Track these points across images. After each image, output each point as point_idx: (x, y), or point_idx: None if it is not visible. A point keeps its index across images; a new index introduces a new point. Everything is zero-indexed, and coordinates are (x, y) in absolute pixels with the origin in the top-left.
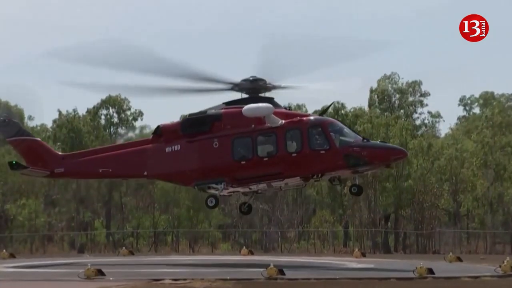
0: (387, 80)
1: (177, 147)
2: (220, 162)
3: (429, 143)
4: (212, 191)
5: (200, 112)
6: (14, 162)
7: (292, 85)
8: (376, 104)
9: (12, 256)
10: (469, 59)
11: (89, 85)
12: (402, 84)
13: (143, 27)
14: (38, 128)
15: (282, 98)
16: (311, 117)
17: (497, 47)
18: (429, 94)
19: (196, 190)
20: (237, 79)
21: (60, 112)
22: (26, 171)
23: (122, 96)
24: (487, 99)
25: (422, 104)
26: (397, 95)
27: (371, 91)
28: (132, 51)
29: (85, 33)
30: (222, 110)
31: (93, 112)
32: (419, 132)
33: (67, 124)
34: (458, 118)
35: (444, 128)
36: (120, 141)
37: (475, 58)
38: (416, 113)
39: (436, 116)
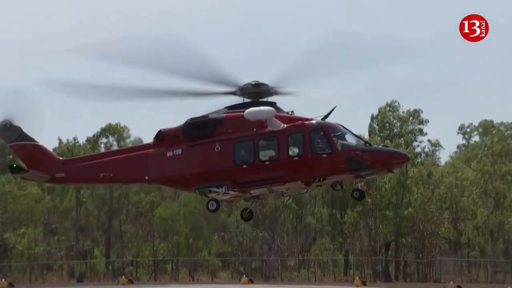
0: (387, 108)
1: (179, 151)
2: (221, 165)
3: (429, 171)
4: (213, 195)
5: (202, 116)
6: (14, 165)
7: (295, 91)
8: (377, 131)
9: (11, 285)
10: (468, 84)
11: (87, 85)
12: (403, 112)
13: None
14: None
15: (285, 104)
16: (313, 121)
17: (497, 73)
18: (428, 122)
19: (194, 219)
20: (240, 83)
21: (60, 141)
22: (26, 175)
23: (122, 124)
24: (486, 127)
25: (422, 132)
26: (398, 123)
27: (372, 118)
28: (134, 48)
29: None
30: (224, 114)
31: (93, 141)
32: (419, 160)
33: (67, 153)
34: (458, 147)
35: (444, 156)
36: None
37: (474, 84)
38: (416, 141)
39: (436, 144)
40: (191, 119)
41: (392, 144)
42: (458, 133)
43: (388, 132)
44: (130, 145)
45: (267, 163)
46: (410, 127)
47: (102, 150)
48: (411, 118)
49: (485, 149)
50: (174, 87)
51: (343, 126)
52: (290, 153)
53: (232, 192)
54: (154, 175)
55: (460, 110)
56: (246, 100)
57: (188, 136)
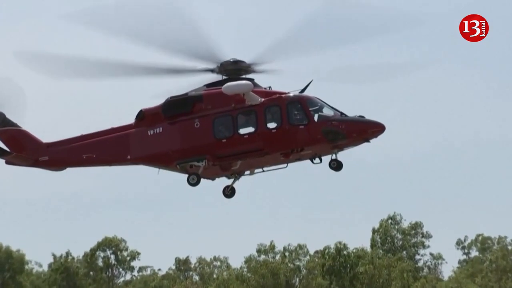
0: (389, 221)
1: (159, 129)
2: (201, 141)
3: (433, 286)
4: (194, 170)
5: (182, 95)
6: None
7: (272, 68)
8: (379, 245)
9: None
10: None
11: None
12: (404, 223)
13: None
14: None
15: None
16: (290, 94)
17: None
18: (431, 236)
19: None
20: (218, 60)
21: (54, 256)
22: (9, 157)
23: (119, 237)
24: (483, 241)
25: (424, 245)
26: (400, 236)
27: (373, 231)
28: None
29: None
30: (203, 91)
31: (90, 255)
32: (422, 274)
33: (61, 267)
34: (459, 262)
35: (446, 270)
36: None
37: (469, 196)
38: (419, 254)
39: (438, 257)
40: (171, 97)
41: (394, 257)
42: (457, 248)
43: (390, 245)
44: (127, 258)
45: (246, 136)
46: (413, 240)
47: (100, 264)
48: (413, 231)
49: (490, 264)
50: (152, 62)
51: (320, 99)
52: (268, 125)
53: (213, 167)
54: (136, 154)
55: (457, 223)
56: (225, 77)
57: (168, 114)
